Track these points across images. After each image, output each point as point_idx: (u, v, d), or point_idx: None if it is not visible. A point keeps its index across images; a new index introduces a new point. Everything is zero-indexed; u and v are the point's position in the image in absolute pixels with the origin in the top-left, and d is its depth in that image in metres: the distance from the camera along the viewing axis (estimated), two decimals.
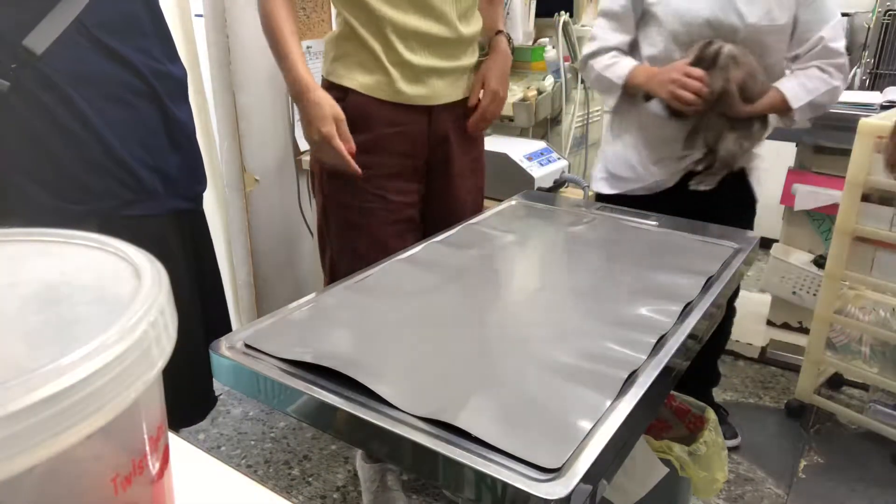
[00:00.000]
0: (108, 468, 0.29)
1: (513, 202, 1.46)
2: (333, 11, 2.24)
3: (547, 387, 0.75)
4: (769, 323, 2.56)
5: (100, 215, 1.16)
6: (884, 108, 2.06)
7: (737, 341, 2.47)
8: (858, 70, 3.07)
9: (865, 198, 1.83)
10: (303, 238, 2.29)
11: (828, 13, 1.51)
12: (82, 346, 0.26)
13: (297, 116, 2.19)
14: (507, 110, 2.79)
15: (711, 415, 1.40)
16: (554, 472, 0.62)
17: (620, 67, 1.57)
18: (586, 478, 0.62)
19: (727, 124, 1.51)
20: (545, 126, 2.82)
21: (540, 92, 2.73)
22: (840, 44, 1.52)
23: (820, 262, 2.26)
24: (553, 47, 2.40)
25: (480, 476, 0.62)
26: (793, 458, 1.94)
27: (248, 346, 0.83)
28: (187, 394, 1.41)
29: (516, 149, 2.62)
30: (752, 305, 2.66)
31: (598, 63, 1.60)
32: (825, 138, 2.19)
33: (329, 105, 1.28)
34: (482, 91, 1.47)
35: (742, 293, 2.76)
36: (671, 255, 1.15)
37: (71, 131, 1.11)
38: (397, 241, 1.40)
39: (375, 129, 1.36)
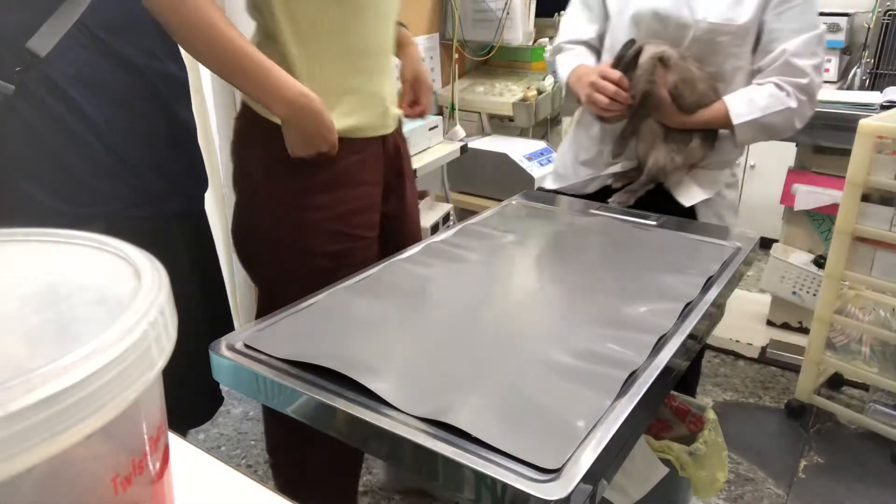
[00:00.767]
0: (108, 468, 0.29)
1: (513, 202, 1.46)
2: None
3: (547, 387, 0.75)
4: (769, 323, 2.56)
5: (104, 218, 1.16)
6: (884, 108, 2.06)
7: (737, 341, 2.48)
8: (858, 70, 3.07)
9: (865, 198, 1.83)
10: None
11: (803, 24, 1.32)
12: (82, 346, 0.26)
13: None
14: (507, 110, 2.79)
15: (711, 415, 1.40)
16: (554, 473, 0.62)
17: (566, 67, 1.49)
18: (586, 478, 0.62)
19: (661, 134, 1.40)
20: (545, 126, 2.82)
21: (540, 92, 2.73)
22: (808, 62, 1.32)
23: (820, 262, 2.26)
24: None
25: (480, 476, 0.62)
26: (793, 458, 1.94)
27: (248, 346, 0.83)
28: (192, 394, 1.41)
29: (516, 149, 2.62)
30: (752, 305, 2.66)
31: (561, 59, 1.53)
32: (825, 138, 2.19)
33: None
34: (413, 87, 1.41)
35: (742, 293, 2.77)
36: (671, 255, 1.15)
37: (75, 134, 1.11)
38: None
39: (339, 161, 1.21)
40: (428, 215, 2.39)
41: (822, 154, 2.28)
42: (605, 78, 1.32)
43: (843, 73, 3.32)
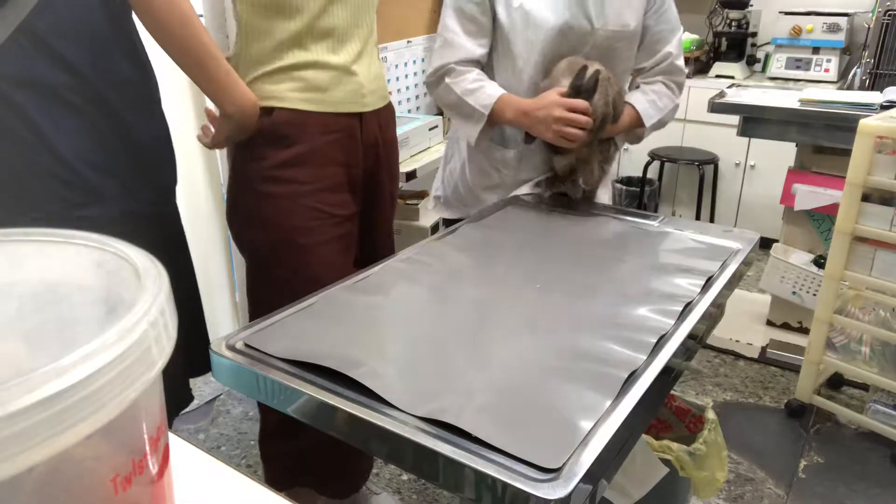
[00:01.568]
0: (108, 468, 0.29)
1: (513, 202, 1.46)
2: None
3: (547, 387, 0.75)
4: (769, 323, 2.56)
5: (46, 219, 1.15)
6: (884, 107, 2.06)
7: (737, 341, 2.48)
8: (858, 70, 3.07)
9: (865, 198, 1.83)
10: None
11: (675, 23, 1.44)
12: (82, 346, 0.26)
13: None
14: None
15: (711, 415, 1.40)
16: (554, 473, 0.62)
17: (485, 95, 1.35)
18: (586, 478, 0.62)
19: (593, 148, 1.39)
20: None
21: None
22: (682, 61, 1.47)
23: (820, 262, 2.26)
24: None
25: (480, 476, 0.62)
26: (793, 458, 1.94)
27: (248, 346, 0.83)
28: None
29: None
30: (752, 305, 2.66)
31: (459, 84, 1.37)
32: (825, 138, 2.19)
33: None
34: None
35: (742, 293, 2.77)
36: (671, 255, 1.15)
37: (17, 136, 1.10)
38: (346, 258, 1.37)
39: (312, 139, 1.28)
40: (428, 215, 2.39)
41: (822, 154, 2.28)
42: (573, 110, 1.25)
43: (843, 73, 3.32)
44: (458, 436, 0.67)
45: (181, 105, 1.96)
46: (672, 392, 1.40)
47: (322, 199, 1.30)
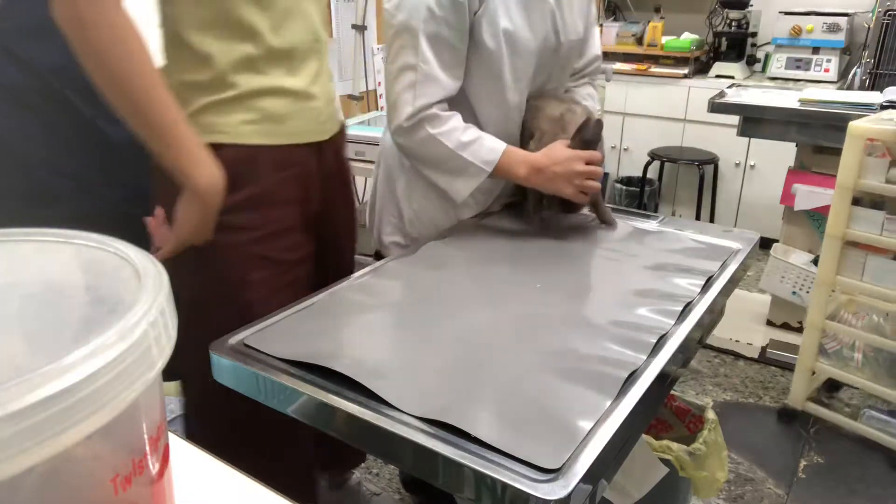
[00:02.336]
0: (108, 468, 0.29)
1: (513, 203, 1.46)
2: (333, 12, 2.24)
3: (547, 387, 0.75)
4: (769, 323, 2.56)
5: (9, 217, 1.14)
6: (884, 107, 2.06)
7: (737, 341, 2.47)
8: (858, 70, 3.07)
9: (856, 202, 1.80)
10: None
11: (594, 19, 1.40)
12: (82, 346, 0.26)
13: None
14: None
15: (711, 415, 1.40)
16: (554, 473, 0.62)
17: (485, 149, 1.19)
18: (586, 478, 0.62)
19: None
20: None
21: None
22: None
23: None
24: None
25: (480, 476, 0.62)
26: (793, 458, 1.94)
27: (248, 346, 0.83)
28: None
29: None
30: (752, 305, 2.66)
31: (449, 136, 1.17)
32: (825, 138, 2.19)
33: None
34: None
35: (742, 293, 2.77)
36: (671, 255, 1.15)
37: None
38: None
39: (264, 178, 1.09)
40: None
41: (822, 154, 2.28)
42: (589, 163, 1.18)
43: (843, 73, 3.32)
44: (458, 436, 0.67)
45: None
46: (672, 392, 1.40)
47: (273, 246, 1.12)
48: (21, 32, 1.11)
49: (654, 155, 3.41)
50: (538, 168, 1.19)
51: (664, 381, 0.83)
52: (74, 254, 0.37)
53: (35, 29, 1.13)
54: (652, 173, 3.53)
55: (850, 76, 3.19)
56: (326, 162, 1.19)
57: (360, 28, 2.79)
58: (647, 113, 3.58)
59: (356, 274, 1.08)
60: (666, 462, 1.24)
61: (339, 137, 1.23)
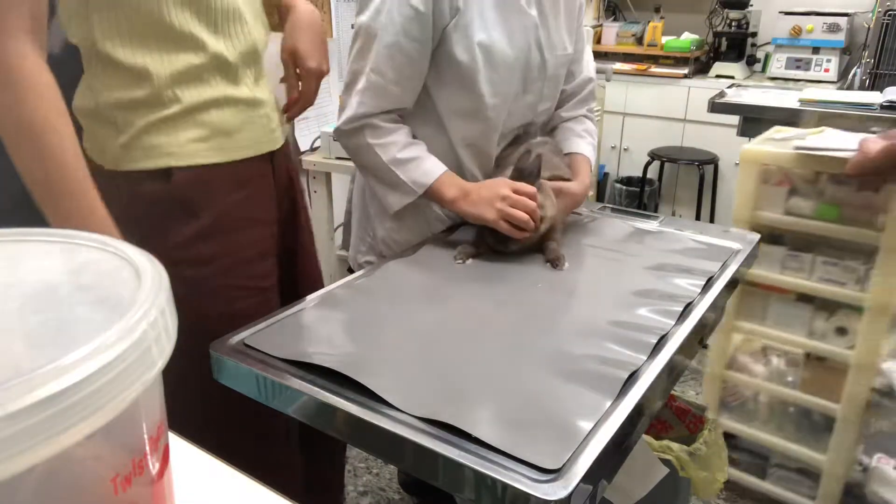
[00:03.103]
0: (108, 468, 0.29)
1: None
2: (333, 12, 2.24)
3: (547, 387, 0.75)
4: None
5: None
6: (883, 108, 2.06)
7: None
8: (858, 70, 3.07)
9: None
10: None
11: (585, 41, 1.36)
12: (82, 346, 0.26)
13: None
14: None
15: (711, 415, 1.40)
16: (554, 473, 0.62)
17: (420, 171, 1.15)
18: (586, 478, 0.62)
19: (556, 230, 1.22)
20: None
21: None
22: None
23: None
24: None
25: (480, 477, 0.62)
26: None
27: (248, 346, 0.83)
28: None
29: None
30: None
31: (386, 150, 1.15)
32: None
33: None
34: (297, 70, 1.13)
35: None
36: (671, 256, 1.15)
37: None
38: None
39: (222, 199, 1.00)
40: None
41: None
42: (519, 192, 1.10)
43: (843, 73, 3.32)
44: (458, 436, 0.66)
45: None
46: (672, 392, 1.40)
47: (241, 273, 1.04)
48: None
49: (654, 155, 3.41)
50: (466, 191, 1.14)
51: (664, 381, 0.83)
52: (74, 254, 0.37)
53: None
54: (652, 173, 3.53)
55: (850, 76, 3.19)
56: (280, 174, 1.11)
57: None
58: (647, 113, 3.59)
59: (356, 274, 1.08)
60: (666, 462, 1.24)
61: (286, 146, 1.15)
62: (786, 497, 1.69)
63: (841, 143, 1.40)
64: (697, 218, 3.37)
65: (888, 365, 1.45)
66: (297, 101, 1.14)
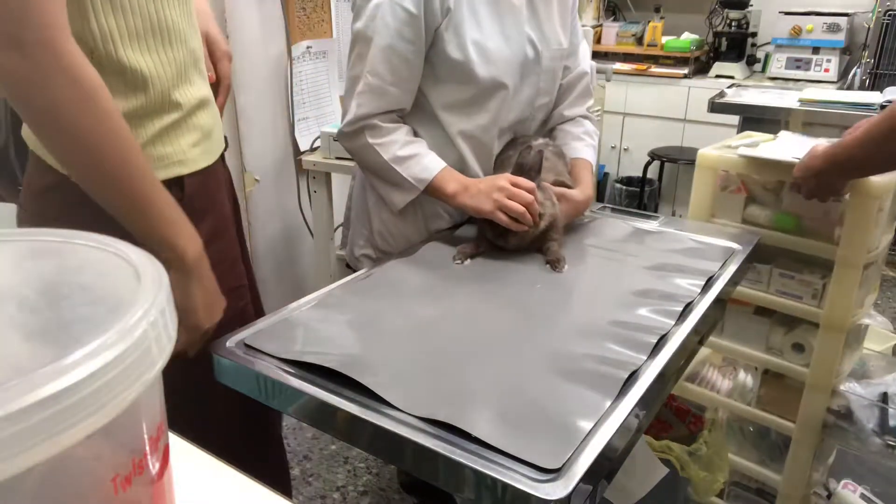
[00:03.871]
0: (108, 468, 0.29)
1: None
2: (333, 12, 2.25)
3: (547, 387, 0.75)
4: None
5: None
6: (883, 108, 2.06)
7: None
8: (858, 70, 3.08)
9: None
10: (302, 238, 2.29)
11: (581, 36, 1.36)
12: (82, 346, 0.26)
13: (297, 116, 2.20)
14: None
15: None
16: (554, 473, 0.62)
17: (419, 167, 1.17)
18: (586, 478, 0.62)
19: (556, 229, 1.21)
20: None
21: None
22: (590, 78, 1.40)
23: None
24: None
25: (481, 476, 0.62)
26: None
27: (248, 346, 0.83)
28: None
29: None
30: None
31: (386, 148, 1.17)
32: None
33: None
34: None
35: None
36: (671, 255, 1.15)
37: None
38: None
39: (214, 204, 0.99)
40: None
41: None
42: (518, 186, 1.11)
43: (843, 73, 3.32)
44: (458, 436, 0.66)
45: None
46: (672, 392, 1.40)
47: (236, 273, 1.05)
48: None
49: (654, 155, 3.41)
50: (465, 186, 1.16)
51: (664, 380, 0.83)
52: (74, 254, 0.37)
53: None
54: (652, 173, 3.53)
55: (850, 76, 3.19)
56: (226, 170, 1.09)
57: None
58: (647, 113, 3.59)
59: (356, 274, 1.09)
60: (666, 462, 1.25)
61: None
62: None
63: (795, 149, 1.32)
64: None
65: (846, 386, 1.39)
66: (220, 87, 1.10)
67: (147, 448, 0.31)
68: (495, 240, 1.14)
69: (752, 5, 3.51)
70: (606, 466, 0.68)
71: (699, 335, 0.99)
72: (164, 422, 0.34)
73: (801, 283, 1.36)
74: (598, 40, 3.83)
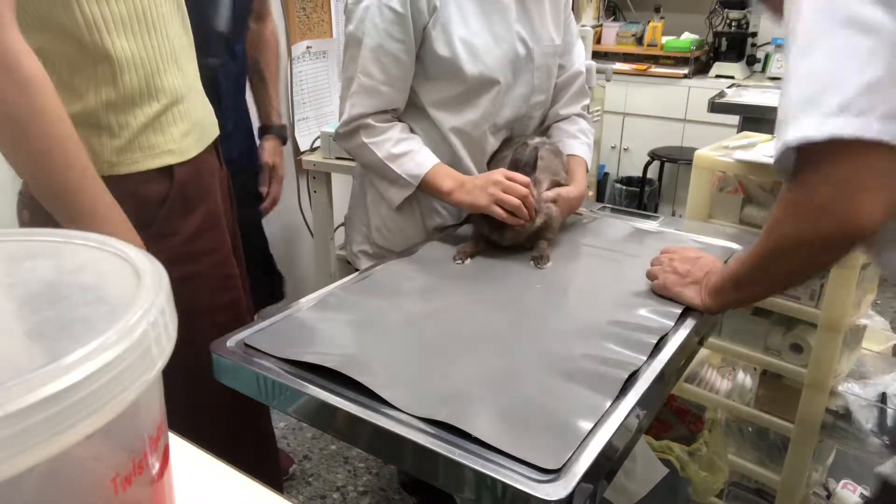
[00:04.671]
0: (108, 468, 0.29)
1: None
2: (333, 12, 2.25)
3: (547, 388, 0.75)
4: None
5: None
6: None
7: None
8: None
9: None
10: (303, 238, 2.29)
11: (577, 35, 1.35)
12: (82, 346, 0.26)
13: (297, 116, 2.20)
14: None
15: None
16: (554, 473, 0.62)
17: (413, 163, 1.18)
18: (586, 478, 0.62)
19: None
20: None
21: None
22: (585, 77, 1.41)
23: None
24: None
25: (481, 477, 0.62)
26: None
27: (248, 346, 0.83)
28: None
29: None
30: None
31: (380, 146, 1.18)
32: None
33: None
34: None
35: None
36: None
37: None
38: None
39: (209, 193, 1.01)
40: None
41: None
42: (513, 180, 1.11)
43: None
44: (458, 436, 0.66)
45: None
46: (672, 392, 1.40)
47: (230, 262, 1.07)
48: None
49: (654, 155, 3.41)
50: (461, 182, 1.17)
51: (664, 381, 0.83)
52: (74, 254, 0.37)
53: None
54: (652, 173, 3.53)
55: None
56: (218, 156, 1.11)
57: None
58: (647, 113, 3.59)
59: (355, 275, 1.08)
60: (666, 462, 1.25)
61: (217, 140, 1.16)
62: None
63: None
64: None
65: (844, 386, 1.39)
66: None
67: (147, 448, 0.31)
68: (491, 235, 1.14)
69: (752, 5, 3.51)
70: (606, 466, 0.68)
71: (699, 335, 0.99)
72: (164, 422, 0.33)
73: None
74: (598, 40, 3.83)
